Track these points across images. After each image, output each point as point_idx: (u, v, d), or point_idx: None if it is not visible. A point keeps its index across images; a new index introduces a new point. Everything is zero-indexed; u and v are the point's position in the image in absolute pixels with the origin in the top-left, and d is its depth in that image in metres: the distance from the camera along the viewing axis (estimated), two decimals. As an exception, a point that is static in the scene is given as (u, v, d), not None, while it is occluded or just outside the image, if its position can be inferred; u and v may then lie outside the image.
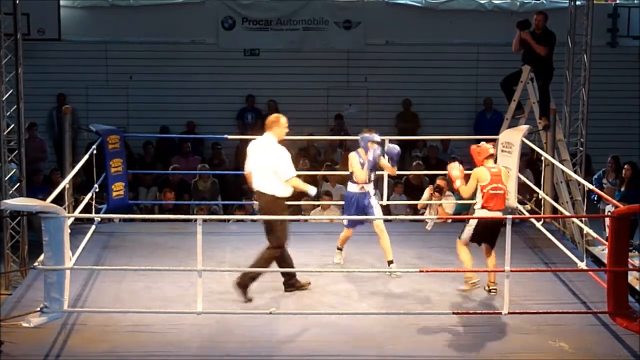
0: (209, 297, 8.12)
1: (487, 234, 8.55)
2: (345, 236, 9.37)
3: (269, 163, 8.28)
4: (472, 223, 8.57)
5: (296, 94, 16.14)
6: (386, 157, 9.30)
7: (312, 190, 8.40)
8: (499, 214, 8.49)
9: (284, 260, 8.41)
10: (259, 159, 8.38)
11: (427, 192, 11.01)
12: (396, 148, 9.43)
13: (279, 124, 8.46)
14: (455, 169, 8.70)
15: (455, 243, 8.71)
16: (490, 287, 8.55)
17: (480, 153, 8.66)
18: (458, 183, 8.61)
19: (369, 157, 9.02)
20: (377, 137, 9.09)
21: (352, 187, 9.13)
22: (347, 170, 9.22)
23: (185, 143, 15.09)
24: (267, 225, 8.35)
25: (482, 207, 8.51)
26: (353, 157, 9.11)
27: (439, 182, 11.04)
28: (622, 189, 11.97)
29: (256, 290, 8.54)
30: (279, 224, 8.28)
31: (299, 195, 12.90)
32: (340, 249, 9.44)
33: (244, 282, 8.21)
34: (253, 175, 8.43)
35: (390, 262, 9.05)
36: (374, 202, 9.14)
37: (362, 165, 9.03)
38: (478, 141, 14.16)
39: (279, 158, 8.27)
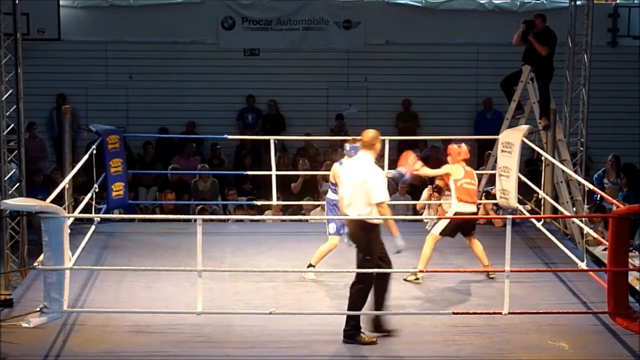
0: (209, 297, 8.12)
1: (461, 228, 8.94)
2: (330, 248, 8.92)
3: (359, 182, 7.41)
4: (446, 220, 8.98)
5: (296, 94, 16.14)
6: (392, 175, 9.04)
7: (398, 240, 7.47)
8: (474, 207, 9.04)
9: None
10: (350, 178, 7.54)
11: (426, 192, 11.01)
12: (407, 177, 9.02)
13: (378, 140, 7.57)
14: (410, 156, 8.83)
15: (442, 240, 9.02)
16: (490, 275, 8.92)
17: (460, 153, 9.11)
18: (417, 165, 8.83)
19: None
20: None
21: (333, 196, 8.94)
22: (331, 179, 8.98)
23: (190, 143, 15.09)
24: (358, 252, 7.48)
25: (458, 200, 8.93)
26: (338, 170, 8.81)
27: (438, 182, 11.03)
28: (624, 190, 11.98)
29: (256, 290, 8.55)
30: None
31: (298, 194, 13.04)
32: (314, 265, 8.93)
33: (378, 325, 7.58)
34: (344, 198, 7.58)
35: None
36: None
37: None
38: (478, 141, 14.24)
39: (373, 179, 7.41)
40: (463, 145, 9.15)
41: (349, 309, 7.43)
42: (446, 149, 15.30)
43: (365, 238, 7.41)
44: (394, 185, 12.99)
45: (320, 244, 9.45)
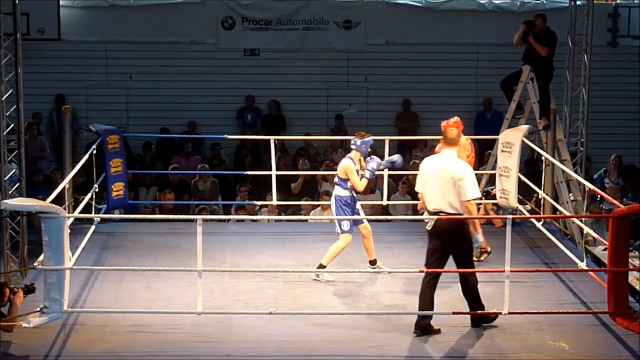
0: (209, 297, 8.12)
1: None
2: (344, 246, 8.87)
3: (452, 179, 7.53)
4: None
5: (296, 94, 16.14)
6: (384, 166, 9.24)
7: (480, 236, 7.76)
8: None
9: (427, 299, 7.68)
10: (440, 175, 7.60)
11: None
12: (399, 160, 9.27)
13: (461, 137, 7.93)
14: None
15: None
16: None
17: (454, 126, 8.99)
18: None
19: (369, 165, 8.86)
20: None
21: (344, 192, 8.91)
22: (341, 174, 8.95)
23: (187, 143, 15.10)
24: (457, 251, 7.65)
25: None
26: (351, 166, 8.84)
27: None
28: (627, 192, 11.98)
29: (256, 290, 8.55)
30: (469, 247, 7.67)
31: (298, 194, 13.04)
32: (325, 266, 8.83)
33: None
34: (430, 193, 7.66)
35: (374, 262, 9.05)
36: (359, 205, 9.12)
37: (358, 172, 8.88)
38: (478, 141, 14.23)
39: (466, 176, 7.56)
40: (451, 119, 9.11)
41: (473, 308, 7.69)
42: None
43: (461, 232, 7.55)
44: (394, 186, 13.00)
45: (319, 244, 9.47)
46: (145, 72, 15.96)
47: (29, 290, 7.44)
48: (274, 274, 8.88)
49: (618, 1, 16.59)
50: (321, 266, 8.83)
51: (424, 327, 7.61)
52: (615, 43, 16.42)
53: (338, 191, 8.94)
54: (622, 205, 8.43)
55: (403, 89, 16.25)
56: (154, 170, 14.32)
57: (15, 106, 10.41)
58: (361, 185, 8.86)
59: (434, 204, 7.60)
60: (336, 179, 8.98)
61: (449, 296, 8.49)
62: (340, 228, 8.84)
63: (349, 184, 8.88)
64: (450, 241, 7.56)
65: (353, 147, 8.95)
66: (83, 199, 10.07)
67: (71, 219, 9.54)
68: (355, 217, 8.92)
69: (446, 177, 7.52)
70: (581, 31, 12.17)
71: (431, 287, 7.63)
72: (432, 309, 7.63)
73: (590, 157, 13.85)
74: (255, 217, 11.93)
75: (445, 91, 16.14)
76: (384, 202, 11.64)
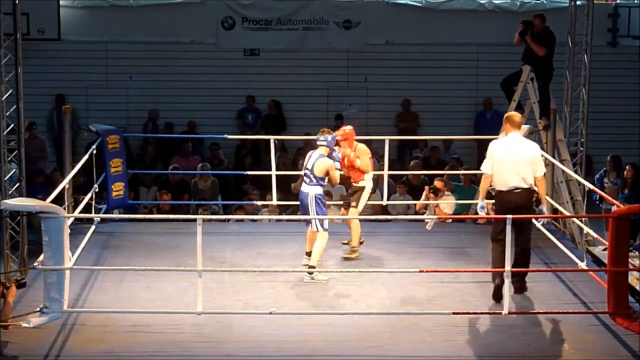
0: (209, 297, 8.12)
1: None
2: (325, 242, 9.02)
3: (529, 158, 8.28)
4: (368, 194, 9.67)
5: (296, 94, 16.13)
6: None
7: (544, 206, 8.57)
8: None
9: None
10: (516, 156, 8.28)
11: (425, 193, 11.02)
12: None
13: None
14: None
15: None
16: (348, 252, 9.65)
17: (353, 134, 9.55)
18: (358, 162, 9.46)
19: (336, 158, 9.17)
20: None
21: (320, 190, 9.04)
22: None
23: (187, 143, 15.10)
24: (522, 223, 8.29)
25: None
26: (332, 164, 9.05)
27: (436, 183, 11.06)
28: (625, 190, 11.94)
29: (256, 290, 8.55)
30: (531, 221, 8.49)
31: (298, 194, 13.01)
32: (314, 267, 8.99)
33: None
34: (505, 173, 8.28)
35: (310, 254, 9.12)
36: None
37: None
38: (478, 141, 14.21)
39: (539, 155, 8.38)
40: (349, 127, 9.63)
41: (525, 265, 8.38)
42: (447, 149, 15.48)
43: (531, 205, 8.42)
44: (393, 186, 13.00)
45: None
46: (145, 72, 15.95)
47: (20, 285, 7.46)
48: (274, 274, 8.88)
49: (618, 1, 16.58)
50: (311, 268, 8.89)
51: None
52: (615, 43, 16.41)
53: (317, 190, 9.04)
54: (621, 205, 8.44)
55: (403, 89, 16.24)
56: (154, 170, 14.32)
57: (15, 106, 10.41)
58: (338, 179, 9.20)
59: (508, 182, 8.23)
60: (311, 179, 9.01)
61: (450, 296, 8.51)
62: (322, 227, 8.97)
63: (325, 181, 9.03)
64: (521, 213, 8.07)
65: (323, 143, 9.08)
66: (83, 199, 10.07)
67: (71, 219, 9.55)
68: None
69: (523, 157, 8.24)
70: (581, 31, 12.16)
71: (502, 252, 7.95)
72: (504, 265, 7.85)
73: (590, 157, 13.84)
74: (255, 217, 11.94)
75: (445, 91, 16.14)
76: (384, 202, 11.64)
